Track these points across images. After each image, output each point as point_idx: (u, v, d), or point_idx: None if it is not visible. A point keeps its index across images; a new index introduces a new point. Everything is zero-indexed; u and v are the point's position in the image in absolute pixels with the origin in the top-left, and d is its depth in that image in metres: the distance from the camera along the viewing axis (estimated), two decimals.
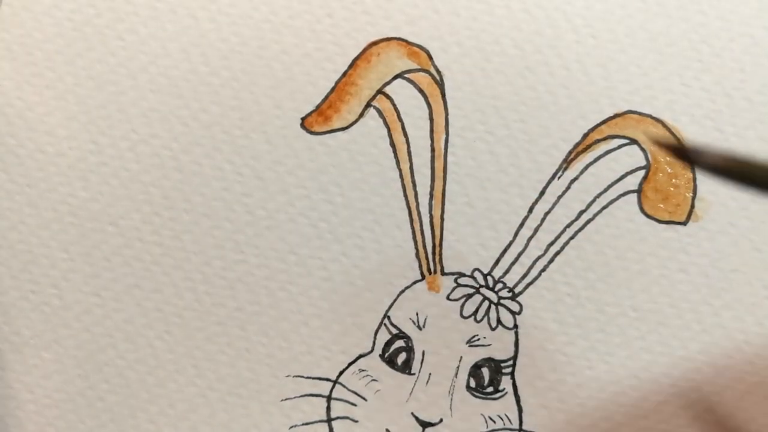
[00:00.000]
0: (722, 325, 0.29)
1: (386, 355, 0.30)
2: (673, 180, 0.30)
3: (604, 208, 0.30)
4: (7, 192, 0.30)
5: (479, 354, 0.30)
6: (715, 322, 0.29)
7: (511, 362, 0.30)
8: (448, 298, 0.30)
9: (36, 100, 0.30)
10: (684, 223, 0.30)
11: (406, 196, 0.30)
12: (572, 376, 0.30)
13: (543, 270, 0.30)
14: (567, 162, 0.30)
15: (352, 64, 0.30)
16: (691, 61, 0.30)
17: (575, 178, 0.30)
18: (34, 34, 0.30)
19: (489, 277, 0.30)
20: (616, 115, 0.30)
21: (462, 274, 0.30)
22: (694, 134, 0.30)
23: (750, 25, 0.30)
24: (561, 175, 0.30)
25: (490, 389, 0.30)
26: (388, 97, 0.30)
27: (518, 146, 0.30)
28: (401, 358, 0.30)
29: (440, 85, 0.30)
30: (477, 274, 0.30)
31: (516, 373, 0.30)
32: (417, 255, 0.30)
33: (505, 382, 0.30)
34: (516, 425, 0.30)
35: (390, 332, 0.30)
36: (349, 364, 0.30)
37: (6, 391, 0.30)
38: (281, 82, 0.30)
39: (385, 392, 0.30)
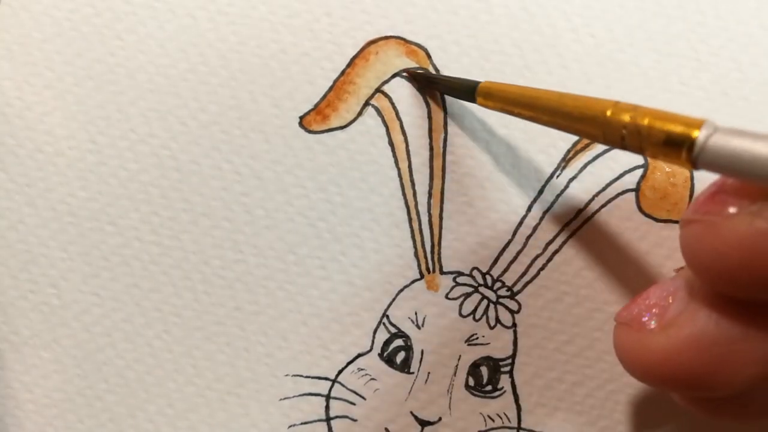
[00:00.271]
0: None
1: (385, 354, 0.30)
2: (671, 179, 0.30)
3: (602, 206, 0.30)
4: (6, 191, 0.30)
5: (478, 353, 0.30)
6: None
7: (509, 361, 0.30)
8: (446, 297, 0.30)
9: (35, 100, 0.30)
10: None
11: (404, 195, 0.30)
12: (571, 375, 0.30)
13: (542, 269, 0.30)
14: (565, 161, 0.30)
15: (351, 63, 0.30)
16: (689, 61, 0.30)
17: (574, 177, 0.30)
18: (33, 34, 0.30)
19: (488, 276, 0.30)
20: None
21: (461, 273, 0.30)
22: None
23: (748, 25, 0.30)
24: (559, 174, 0.30)
25: (489, 388, 0.30)
26: (386, 95, 0.30)
27: (517, 145, 0.30)
28: (400, 357, 0.30)
29: None
30: (476, 273, 0.30)
31: (515, 372, 0.30)
32: (415, 254, 0.30)
33: (504, 381, 0.30)
34: (515, 424, 0.30)
35: (389, 331, 0.30)
36: (348, 363, 0.30)
37: (5, 390, 0.30)
38: (279, 81, 0.30)
39: (383, 391, 0.30)
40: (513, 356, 0.30)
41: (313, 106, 0.30)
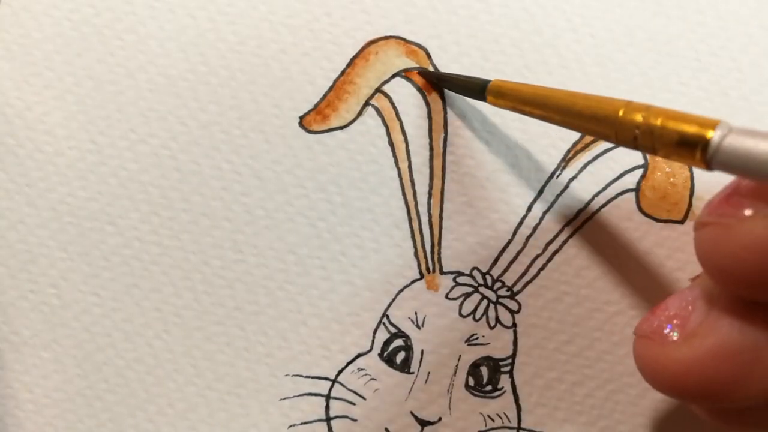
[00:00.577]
0: None
1: (385, 354, 0.30)
2: (671, 179, 0.30)
3: (602, 206, 0.30)
4: (6, 191, 0.30)
5: (478, 353, 0.30)
6: None
7: (509, 361, 0.30)
8: (446, 297, 0.30)
9: (35, 100, 0.30)
10: (682, 222, 0.30)
11: (404, 195, 0.30)
12: (571, 375, 0.30)
13: (541, 269, 0.30)
14: (565, 161, 0.30)
15: (351, 63, 0.30)
16: (688, 61, 0.30)
17: (574, 177, 0.30)
18: (33, 34, 0.30)
19: (488, 276, 0.30)
20: None
21: (461, 273, 0.30)
22: None
23: (748, 25, 0.30)
24: (560, 174, 0.30)
25: (489, 388, 0.30)
26: (386, 95, 0.30)
27: (517, 145, 0.30)
28: (400, 357, 0.30)
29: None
30: (476, 273, 0.30)
31: (515, 372, 0.30)
32: (415, 254, 0.30)
33: (504, 381, 0.30)
34: (515, 424, 0.30)
35: (389, 331, 0.30)
36: (348, 363, 0.30)
37: (5, 390, 0.30)
38: (279, 81, 0.30)
39: (383, 391, 0.30)
40: (513, 356, 0.30)
41: (313, 106, 0.30)
